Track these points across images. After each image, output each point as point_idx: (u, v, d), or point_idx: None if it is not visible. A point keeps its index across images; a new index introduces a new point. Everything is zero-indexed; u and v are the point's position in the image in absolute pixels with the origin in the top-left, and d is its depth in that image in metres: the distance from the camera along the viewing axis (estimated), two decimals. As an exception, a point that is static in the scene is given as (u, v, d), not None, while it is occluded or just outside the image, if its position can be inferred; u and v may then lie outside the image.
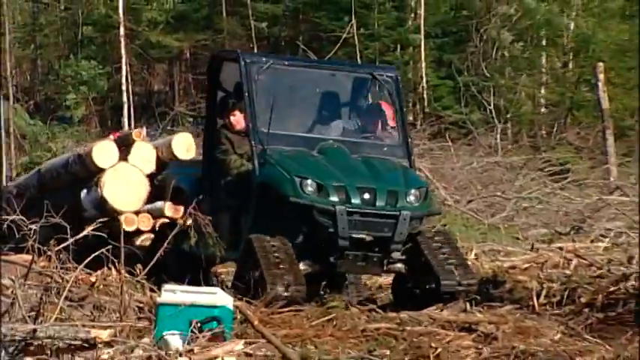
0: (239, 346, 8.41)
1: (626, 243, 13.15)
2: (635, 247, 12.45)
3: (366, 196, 10.91)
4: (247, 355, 8.38)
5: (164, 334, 8.74)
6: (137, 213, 13.00)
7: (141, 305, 10.02)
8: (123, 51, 30.46)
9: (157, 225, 12.97)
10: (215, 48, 35.39)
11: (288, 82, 11.87)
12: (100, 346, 8.38)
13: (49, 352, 8.23)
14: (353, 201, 10.85)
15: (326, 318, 10.09)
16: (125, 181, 13.14)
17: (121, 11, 30.79)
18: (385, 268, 11.11)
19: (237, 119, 11.69)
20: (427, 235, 11.20)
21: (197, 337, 8.65)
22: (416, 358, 8.22)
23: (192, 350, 8.34)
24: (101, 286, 10.29)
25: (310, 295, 10.64)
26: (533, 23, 27.73)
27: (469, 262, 11.29)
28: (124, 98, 30.15)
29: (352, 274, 11.41)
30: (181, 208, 12.45)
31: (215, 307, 9.01)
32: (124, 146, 13.39)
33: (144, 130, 15.46)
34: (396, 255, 11.04)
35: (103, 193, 13.06)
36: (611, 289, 10.40)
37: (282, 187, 10.93)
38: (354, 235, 10.78)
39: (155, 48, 33.74)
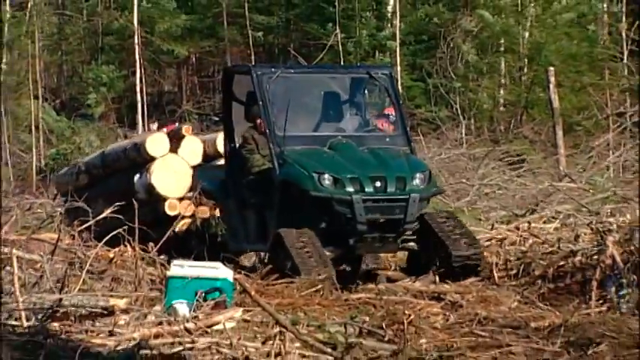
0: (238, 313, 8.39)
1: (574, 223, 13.12)
2: (580, 227, 12.43)
3: (378, 184, 10.89)
4: (245, 321, 8.36)
5: (173, 302, 8.72)
6: (180, 200, 13.03)
7: (153, 278, 10.00)
8: (137, 57, 30.35)
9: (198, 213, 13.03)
10: (217, 54, 35.39)
11: (295, 88, 11.80)
12: (117, 313, 8.36)
13: (73, 318, 8.20)
14: (367, 189, 10.84)
15: (314, 289, 10.07)
16: (172, 170, 13.17)
17: (136, 22, 30.71)
18: (400, 246, 11.12)
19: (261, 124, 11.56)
20: (435, 216, 11.24)
21: (202, 306, 8.63)
22: (392, 323, 8.18)
23: (197, 317, 8.31)
24: (118, 262, 10.26)
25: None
26: (492, 34, 27.73)
27: (475, 236, 11.28)
28: (138, 98, 30.02)
29: (370, 254, 11.45)
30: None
31: (217, 279, 9.00)
32: (176, 139, 13.41)
33: (155, 126, 15.49)
34: (409, 234, 11.02)
35: (151, 180, 13.15)
36: (561, 263, 10.39)
37: (303, 183, 10.89)
38: (370, 220, 10.76)
39: (165, 54, 33.67)
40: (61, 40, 35.34)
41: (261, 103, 11.31)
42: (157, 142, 13.38)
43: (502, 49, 28.19)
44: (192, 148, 13.41)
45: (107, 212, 11.36)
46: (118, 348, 7.39)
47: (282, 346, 7.03)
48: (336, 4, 29.61)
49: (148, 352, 6.98)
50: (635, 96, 21.99)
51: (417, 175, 11.05)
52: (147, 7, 32.16)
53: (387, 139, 11.61)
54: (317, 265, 10.29)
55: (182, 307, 8.61)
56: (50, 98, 32.61)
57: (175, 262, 9.54)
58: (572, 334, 8.03)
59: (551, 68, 20.45)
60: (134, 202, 12.84)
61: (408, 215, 10.85)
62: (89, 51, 35.10)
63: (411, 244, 11.12)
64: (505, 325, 8.58)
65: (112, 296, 8.77)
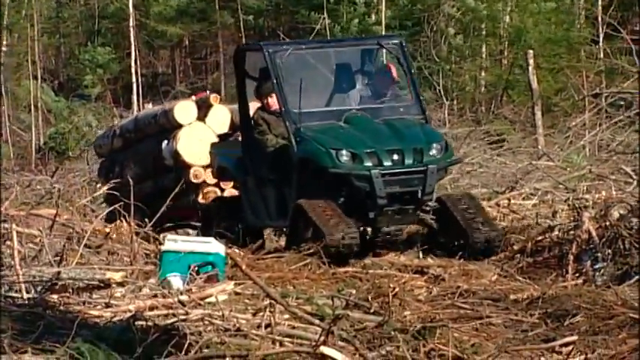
0: (230, 286, 8.39)
1: (551, 200, 13.14)
2: (558, 203, 12.45)
3: (395, 157, 10.59)
4: (237, 293, 8.36)
5: (167, 276, 8.71)
6: (206, 168, 12.69)
7: (148, 252, 9.99)
8: (132, 39, 30.25)
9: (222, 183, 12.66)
10: (209, 37, 35.28)
11: (308, 64, 11.43)
12: (113, 286, 8.36)
13: (70, 290, 8.20)
14: (385, 163, 10.54)
15: (302, 263, 10.07)
16: (198, 138, 12.80)
17: (131, 6, 30.60)
18: (418, 217, 10.75)
19: (273, 101, 11.17)
20: (454, 198, 10.94)
21: (195, 279, 8.63)
22: (377, 296, 8.19)
23: (190, 290, 8.31)
24: (115, 236, 10.24)
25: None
26: (475, 18, 27.69)
27: (493, 219, 11.00)
28: (133, 79, 29.95)
29: (391, 227, 10.80)
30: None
31: (210, 254, 9.00)
32: (204, 108, 13.04)
33: (149, 106, 15.34)
34: (425, 212, 10.69)
35: (177, 146, 12.87)
36: (539, 238, 10.40)
37: (321, 159, 10.55)
38: (389, 193, 10.47)
39: (159, 37, 33.58)
40: (59, 23, 35.22)
41: (275, 81, 10.92)
42: (185, 110, 13.04)
43: (484, 32, 28.15)
44: (220, 117, 13.00)
45: (103, 189, 11.32)
46: (114, 319, 7.40)
47: (272, 318, 7.03)
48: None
49: (143, 323, 6.98)
50: (609, 77, 21.99)
51: (434, 145, 10.72)
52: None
53: (402, 109, 11.19)
54: (340, 225, 10.08)
55: (176, 281, 8.61)
56: (48, 79, 32.52)
57: (169, 236, 9.54)
58: (549, 306, 8.06)
59: (530, 51, 20.44)
60: (161, 167, 12.86)
61: (426, 186, 10.54)
62: (86, 33, 34.99)
63: (430, 217, 10.75)
64: (485, 297, 8.60)
65: (108, 270, 8.77)
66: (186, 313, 7.21)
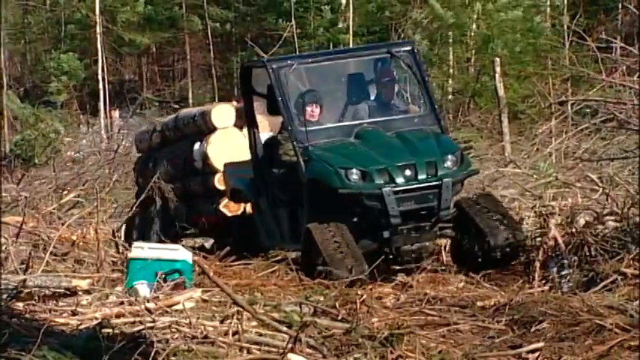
0: (197, 293, 8.37)
1: (518, 207, 13.19)
2: (524, 210, 12.49)
3: (408, 172, 10.06)
4: (204, 301, 8.34)
5: (134, 283, 8.69)
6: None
7: (115, 259, 9.95)
8: (99, 46, 30.15)
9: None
10: (177, 44, 35.21)
11: (314, 78, 10.92)
12: (80, 293, 8.32)
13: (36, 298, 8.16)
14: (397, 180, 10.00)
15: (270, 270, 10.06)
16: (230, 144, 12.38)
17: (97, 12, 30.50)
18: (437, 234, 10.25)
19: (313, 111, 10.60)
20: (472, 200, 10.42)
21: (162, 287, 8.60)
22: (345, 303, 8.21)
23: (157, 297, 8.29)
24: (81, 244, 10.20)
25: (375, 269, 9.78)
26: (442, 26, 27.81)
27: (516, 219, 10.45)
28: (100, 86, 29.86)
29: (411, 245, 10.22)
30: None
31: (177, 261, 8.98)
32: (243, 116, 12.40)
33: (116, 113, 15.21)
34: (446, 221, 10.19)
35: (207, 149, 12.51)
36: (506, 245, 10.42)
37: (330, 180, 10.03)
38: (403, 211, 9.94)
39: (126, 44, 33.50)
40: (25, 28, 35.04)
41: (280, 99, 10.38)
42: (222, 114, 12.58)
43: (451, 40, 28.27)
44: (260, 127, 11.96)
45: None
46: (81, 327, 7.36)
47: (239, 325, 7.03)
48: (292, -4, 29.57)
49: (109, 330, 6.95)
50: (575, 85, 22.13)
51: (448, 157, 10.19)
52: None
53: (416, 120, 10.67)
54: (347, 259, 9.57)
55: (143, 288, 8.59)
56: (14, 86, 32.34)
57: (136, 243, 9.51)
58: (516, 313, 8.09)
59: (497, 59, 20.52)
60: (190, 169, 12.46)
61: (442, 202, 9.99)
62: (52, 40, 34.85)
63: (449, 231, 10.26)
64: (453, 304, 8.62)
65: (74, 277, 8.73)
66: (153, 321, 7.19)
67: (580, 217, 11.62)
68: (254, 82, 11.03)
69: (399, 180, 10.02)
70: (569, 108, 18.05)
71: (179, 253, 9.12)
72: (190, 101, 34.38)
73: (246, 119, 11.27)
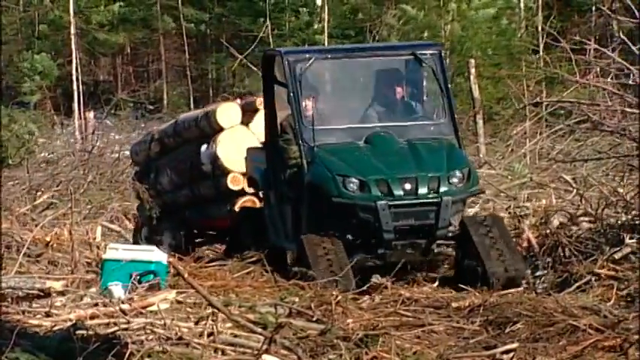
0: (172, 295, 8.35)
1: (493, 208, 13.24)
2: (499, 211, 12.54)
3: (408, 186, 9.54)
4: (179, 302, 8.32)
5: (108, 285, 8.66)
6: (245, 175, 11.71)
7: (89, 261, 9.92)
8: (73, 46, 30.05)
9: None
10: (151, 44, 35.12)
11: (332, 74, 10.46)
12: (53, 295, 8.28)
13: (10, 300, 8.11)
14: (395, 193, 9.50)
15: (245, 271, 10.05)
16: (239, 143, 11.87)
17: (71, 13, 30.40)
18: (435, 251, 9.77)
19: (309, 105, 10.16)
20: (478, 221, 9.79)
21: (136, 288, 8.58)
22: (320, 304, 8.21)
23: (132, 298, 8.26)
24: (55, 245, 10.16)
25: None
26: (415, 28, 27.87)
27: (518, 248, 9.95)
28: (74, 86, 29.76)
29: (402, 262, 9.67)
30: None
31: (152, 262, 8.96)
32: (250, 112, 12.16)
33: (91, 114, 15.05)
34: (445, 239, 9.73)
35: (217, 150, 12.05)
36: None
37: (326, 186, 9.60)
38: (398, 226, 9.48)
39: (101, 44, 33.40)
40: (-2, 29, 34.88)
41: (292, 94, 9.92)
42: (228, 112, 12.13)
43: (425, 41, 28.34)
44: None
45: None
46: (55, 328, 7.33)
47: (214, 327, 7.02)
48: (267, -3, 29.59)
49: (83, 332, 6.92)
50: (549, 87, 22.23)
51: (455, 173, 9.66)
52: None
53: (432, 128, 10.10)
54: (335, 277, 9.10)
55: (117, 289, 8.56)
56: (-13, 86, 32.20)
57: (111, 245, 9.49)
58: (490, 314, 8.12)
59: (472, 60, 20.58)
60: (199, 173, 12.01)
61: (440, 220, 9.48)
62: (25, 40, 34.70)
63: (449, 250, 9.84)
64: (427, 305, 8.64)
65: (48, 278, 8.69)
66: (128, 322, 7.17)
67: (554, 218, 11.67)
68: (277, 71, 10.45)
69: (398, 193, 9.54)
70: (544, 109, 18.14)
71: (154, 254, 9.10)
72: (165, 102, 34.33)
73: (264, 108, 10.74)
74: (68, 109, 30.26)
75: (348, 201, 9.54)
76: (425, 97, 10.46)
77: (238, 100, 12.78)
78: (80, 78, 30.41)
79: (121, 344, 6.65)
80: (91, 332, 6.92)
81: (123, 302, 7.94)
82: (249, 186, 11.47)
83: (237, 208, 11.77)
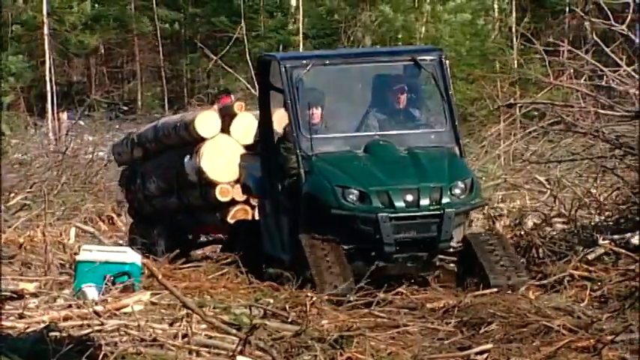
0: (146, 296, 8.33)
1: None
2: (473, 212, 12.56)
3: (409, 197, 9.29)
4: (153, 304, 8.30)
5: (82, 286, 8.63)
6: (233, 185, 11.59)
7: (63, 262, 9.88)
8: (47, 47, 29.93)
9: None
10: (125, 45, 35.03)
11: (330, 81, 10.08)
12: (27, 296, 8.25)
13: (-17, 302, 8.07)
14: (396, 204, 9.24)
15: (220, 272, 10.03)
16: (222, 152, 11.73)
17: (44, 14, 30.27)
18: (437, 265, 9.56)
19: (317, 113, 9.85)
20: (481, 237, 9.62)
21: (110, 289, 8.55)
22: (295, 305, 8.21)
23: (106, 300, 8.23)
24: (28, 246, 10.11)
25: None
26: (391, 29, 27.93)
27: (522, 261, 9.75)
28: (48, 87, 29.63)
29: (403, 275, 9.54)
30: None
31: (126, 263, 8.93)
32: (228, 116, 11.88)
33: (64, 115, 14.90)
34: (447, 254, 9.57)
35: (201, 164, 11.77)
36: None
37: (325, 197, 9.33)
38: (399, 239, 9.26)
39: (74, 45, 33.27)
40: (-29, 30, 34.68)
41: (289, 102, 9.63)
42: (207, 121, 11.84)
43: (400, 43, 28.39)
44: (246, 126, 11.62)
45: None
46: (28, 330, 7.29)
47: (188, 328, 7.00)
48: (242, -2, 29.57)
49: (57, 334, 6.89)
50: (523, 87, 22.31)
51: (458, 184, 9.41)
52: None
53: (433, 136, 9.82)
54: (335, 280, 8.93)
55: (91, 291, 8.53)
56: (-40, 87, 32.01)
57: (84, 246, 9.45)
58: (465, 315, 8.14)
59: (446, 61, 20.60)
60: (185, 183, 11.77)
61: (442, 233, 9.24)
62: (-1, 41, 34.53)
63: (451, 265, 9.64)
64: (402, 306, 8.66)
65: (21, 280, 8.65)
66: (102, 324, 7.14)
67: (528, 219, 11.72)
68: (272, 77, 10.13)
69: (399, 205, 9.27)
70: (518, 110, 18.23)
71: (128, 255, 9.07)
72: (139, 103, 34.23)
73: (260, 115, 10.44)
74: (41, 110, 30.11)
75: (348, 212, 9.28)
76: (425, 104, 10.22)
77: (215, 106, 12.52)
78: (53, 79, 30.28)
79: (94, 346, 6.63)
80: (64, 334, 6.89)
81: (96, 304, 7.91)
82: (243, 193, 11.22)
83: (229, 219, 11.56)
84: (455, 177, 9.45)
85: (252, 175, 10.54)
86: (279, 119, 10.28)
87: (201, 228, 12.27)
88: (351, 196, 9.31)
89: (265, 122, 10.29)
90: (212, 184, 11.73)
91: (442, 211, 9.25)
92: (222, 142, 11.82)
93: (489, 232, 10.46)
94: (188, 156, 12.02)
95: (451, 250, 9.51)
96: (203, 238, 12.77)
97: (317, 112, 9.82)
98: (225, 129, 11.88)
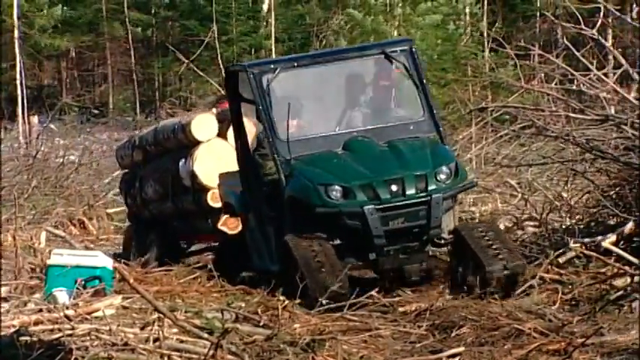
0: (117, 300, 8.30)
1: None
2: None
3: (394, 187, 9.16)
4: (124, 308, 8.27)
5: (53, 290, 8.59)
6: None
7: (33, 266, 9.83)
8: (17, 51, 29.78)
9: None
10: (97, 48, 34.89)
11: (301, 83, 9.97)
12: (-3, 301, 8.20)
13: (-48, 307, 8.01)
14: (382, 196, 9.12)
15: (192, 276, 10.01)
16: (217, 157, 11.48)
17: (15, 17, 30.13)
18: (430, 254, 9.38)
19: (292, 123, 9.66)
20: (470, 226, 9.65)
21: (81, 294, 8.52)
22: (267, 309, 8.21)
23: (77, 304, 8.20)
24: (-2, 251, 10.06)
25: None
26: (363, 32, 27.97)
27: (516, 246, 9.63)
28: (18, 91, 29.49)
29: (396, 268, 9.37)
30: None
31: (97, 267, 8.90)
32: (226, 121, 11.42)
33: (35, 118, 14.73)
34: (439, 246, 9.38)
35: (194, 167, 11.56)
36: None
37: (308, 197, 9.20)
38: (388, 230, 9.11)
39: (45, 48, 33.13)
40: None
41: (260, 107, 9.52)
42: (203, 125, 11.62)
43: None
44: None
45: None
46: (-2, 335, 7.25)
47: (160, 332, 6.98)
48: (213, 2, 29.52)
49: (27, 338, 6.86)
50: (495, 91, 22.40)
51: (443, 169, 9.29)
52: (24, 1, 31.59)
53: (412, 127, 9.70)
54: (327, 277, 8.74)
55: (62, 295, 8.50)
56: None
57: (55, 250, 9.41)
58: (437, 318, 8.16)
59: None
60: (180, 187, 11.58)
61: (432, 220, 9.11)
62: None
63: (444, 257, 9.47)
64: (374, 309, 8.66)
65: (-9, 285, 8.60)
66: (73, 328, 7.11)
67: (500, 222, 11.75)
68: (241, 88, 10.03)
69: (385, 196, 9.15)
70: (489, 114, 18.29)
71: (99, 259, 9.04)
72: (111, 106, 34.13)
73: (233, 128, 10.29)
74: (12, 114, 29.97)
75: (333, 209, 9.15)
76: (401, 96, 10.07)
77: (214, 110, 12.26)
78: (24, 82, 30.15)
79: (65, 350, 6.60)
80: (35, 338, 6.86)
81: (67, 308, 7.88)
82: (225, 213, 11.04)
83: (220, 226, 11.35)
84: (439, 163, 9.34)
85: (233, 192, 10.41)
86: (248, 130, 10.22)
87: (194, 235, 12.15)
88: (334, 193, 9.19)
89: (239, 134, 10.15)
90: (205, 189, 11.55)
91: (429, 197, 9.13)
92: (217, 147, 11.65)
93: (480, 221, 10.29)
94: (183, 160, 11.88)
95: (442, 241, 9.38)
96: (194, 248, 12.61)
97: (292, 122, 9.66)
98: (222, 134, 11.69)
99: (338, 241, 9.19)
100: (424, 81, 9.83)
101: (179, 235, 12.33)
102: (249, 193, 10.05)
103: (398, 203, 9.13)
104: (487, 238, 9.14)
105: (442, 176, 9.28)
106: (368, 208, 9.08)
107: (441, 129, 9.75)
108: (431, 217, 9.13)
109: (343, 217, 9.15)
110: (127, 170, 13.38)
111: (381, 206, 9.11)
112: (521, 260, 9.15)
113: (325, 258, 8.92)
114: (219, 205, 11.23)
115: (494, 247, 9.04)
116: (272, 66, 9.76)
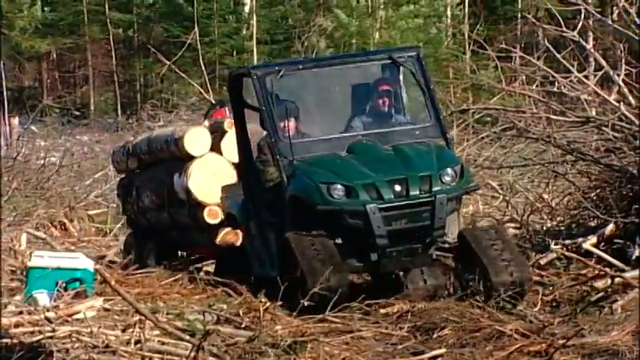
0: (98, 302, 8.28)
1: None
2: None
3: (398, 187, 9.04)
4: (106, 310, 8.25)
5: (33, 292, 8.57)
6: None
7: (14, 268, 9.80)
8: (-2, 52, 29.72)
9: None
10: (78, 50, 34.81)
11: (306, 86, 9.94)
12: (-23, 303, 8.16)
13: None
14: (385, 196, 8.98)
15: (173, 278, 10.00)
16: (211, 172, 11.28)
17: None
18: (434, 257, 9.22)
19: (292, 125, 9.63)
20: (478, 232, 9.43)
21: (62, 296, 8.50)
22: (248, 311, 8.20)
23: (57, 306, 8.18)
24: (-21, 253, 10.02)
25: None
26: (346, 34, 28.00)
27: (523, 256, 9.49)
28: (-1, 92, 29.42)
29: (399, 270, 9.33)
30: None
31: (78, 269, 8.88)
32: (220, 132, 11.43)
33: (16, 120, 14.65)
34: (443, 250, 9.21)
35: (188, 183, 11.31)
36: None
37: (310, 196, 9.07)
38: (391, 231, 8.97)
39: (26, 50, 33.03)
40: None
41: (264, 109, 9.43)
42: (196, 139, 11.41)
43: (354, 48, 28.49)
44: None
45: None
46: (-22, 338, 7.22)
47: (141, 334, 6.97)
48: (194, 3, 29.49)
49: (8, 341, 6.84)
50: (476, 93, 22.45)
51: (447, 171, 9.16)
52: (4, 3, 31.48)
53: (418, 132, 9.62)
54: (327, 272, 8.55)
55: (42, 297, 8.47)
56: None
57: (36, 252, 9.38)
58: (418, 320, 8.17)
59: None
60: (175, 201, 11.40)
61: (435, 220, 8.96)
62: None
63: (449, 261, 9.27)
64: (356, 311, 8.66)
65: (-28, 287, 8.57)
66: (53, 330, 7.09)
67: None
68: (245, 93, 9.90)
69: (388, 196, 9.00)
70: (470, 116, 18.33)
71: (80, 261, 9.03)
72: (92, 108, 34.04)
73: (236, 133, 10.13)
74: (-7, 115, 29.87)
75: (335, 208, 8.99)
76: (407, 102, 10.01)
77: (206, 122, 12.11)
78: (4, 84, 30.05)
79: (46, 353, 6.58)
80: (15, 341, 6.84)
81: (48, 310, 7.86)
82: (227, 225, 10.92)
83: (218, 241, 11.24)
84: (444, 165, 9.23)
85: (235, 202, 10.32)
86: (251, 136, 10.05)
87: (192, 247, 12.06)
88: (336, 192, 9.04)
89: (242, 139, 10.03)
90: (200, 205, 11.33)
91: (433, 198, 9.00)
92: (211, 162, 11.40)
93: (488, 225, 10.12)
94: (177, 174, 11.68)
95: (447, 245, 9.23)
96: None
97: (295, 124, 9.63)
98: (215, 146, 11.48)
99: (339, 241, 9.05)
100: (431, 87, 9.82)
101: (178, 245, 12.26)
102: (250, 200, 9.97)
103: (401, 203, 9.00)
104: (494, 245, 8.98)
105: (447, 178, 9.16)
106: (371, 206, 8.94)
107: (447, 134, 9.71)
108: (435, 218, 8.98)
109: (345, 216, 9.02)
110: (123, 176, 13.30)
111: (384, 206, 8.97)
112: (528, 271, 9.01)
113: (327, 255, 8.79)
114: (216, 221, 11.13)
115: (501, 257, 8.88)
116: (276, 67, 9.69)
